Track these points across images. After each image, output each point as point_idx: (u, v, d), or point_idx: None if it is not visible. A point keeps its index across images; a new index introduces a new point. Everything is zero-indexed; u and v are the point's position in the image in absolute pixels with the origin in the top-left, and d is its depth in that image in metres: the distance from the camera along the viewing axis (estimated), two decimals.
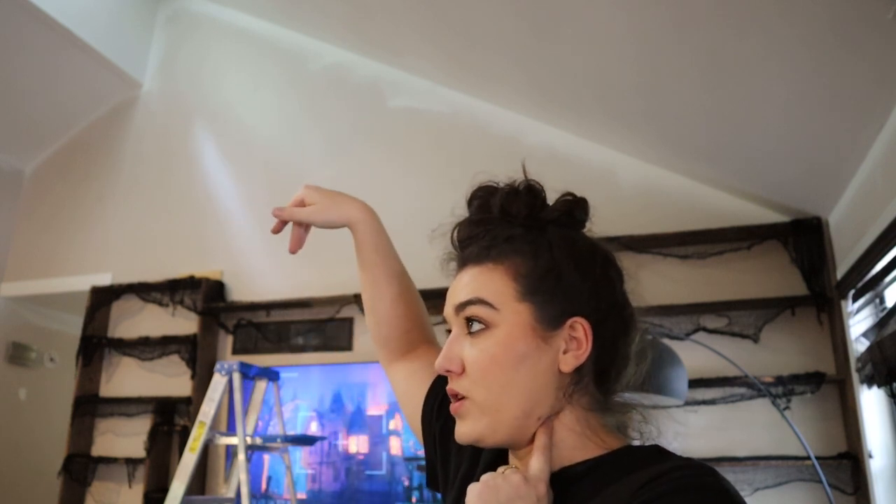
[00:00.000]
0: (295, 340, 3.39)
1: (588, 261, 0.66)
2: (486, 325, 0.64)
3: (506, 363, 0.62)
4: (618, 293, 0.67)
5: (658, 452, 0.61)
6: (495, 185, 0.69)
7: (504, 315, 0.63)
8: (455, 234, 0.71)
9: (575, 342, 0.63)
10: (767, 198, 2.79)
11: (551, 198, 0.69)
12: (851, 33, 1.68)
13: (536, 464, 0.60)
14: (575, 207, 0.68)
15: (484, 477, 0.59)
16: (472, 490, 0.58)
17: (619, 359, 0.66)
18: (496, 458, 0.72)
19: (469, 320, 0.65)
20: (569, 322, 0.63)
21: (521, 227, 0.66)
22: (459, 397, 0.65)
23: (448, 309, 0.68)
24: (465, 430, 0.65)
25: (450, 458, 0.79)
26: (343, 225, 0.88)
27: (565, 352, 0.63)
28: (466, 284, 0.66)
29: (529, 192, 0.67)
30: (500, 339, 0.63)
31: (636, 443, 0.67)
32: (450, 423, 0.78)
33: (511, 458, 0.68)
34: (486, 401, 0.63)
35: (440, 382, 0.83)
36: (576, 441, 0.64)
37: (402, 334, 0.90)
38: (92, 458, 3.51)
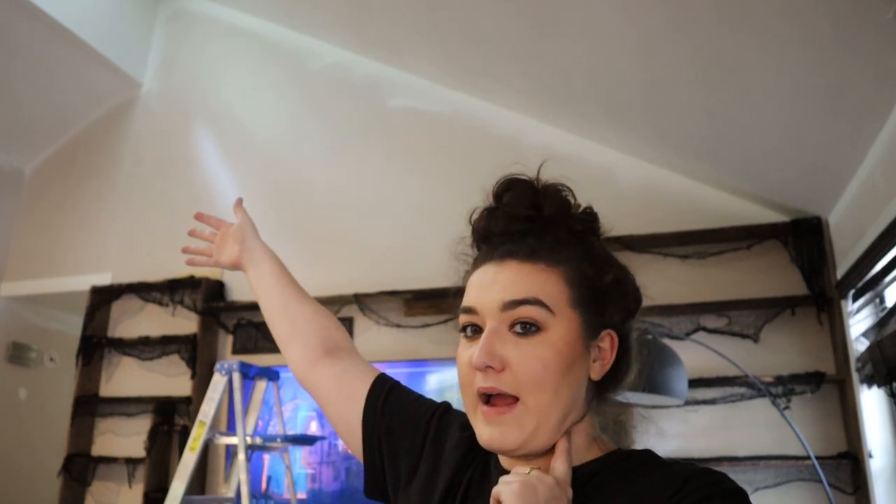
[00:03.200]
0: None
1: (625, 281, 0.69)
2: (539, 328, 0.62)
3: (558, 370, 0.61)
4: (637, 312, 0.70)
5: (653, 455, 0.65)
6: (530, 179, 0.68)
7: (559, 320, 0.62)
8: (487, 222, 0.68)
9: (601, 352, 0.66)
10: (767, 198, 2.79)
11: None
12: (851, 33, 1.68)
13: (562, 466, 0.61)
14: (596, 221, 0.70)
15: (516, 478, 0.58)
16: (507, 490, 0.56)
17: (626, 370, 0.69)
18: (465, 457, 0.73)
19: (519, 321, 0.62)
20: (601, 333, 0.66)
21: (571, 235, 0.67)
22: (504, 397, 0.62)
23: (488, 303, 0.63)
24: (507, 438, 0.61)
25: (399, 458, 0.78)
26: (241, 259, 1.00)
27: (594, 360, 0.65)
28: (517, 281, 0.63)
29: (564, 197, 0.68)
30: (554, 343, 0.62)
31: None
32: (395, 422, 0.79)
33: (508, 462, 0.68)
34: (537, 406, 0.61)
35: (380, 383, 0.82)
36: (587, 444, 0.67)
37: (322, 329, 0.88)
38: (92, 458, 3.51)
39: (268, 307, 0.93)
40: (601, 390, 0.68)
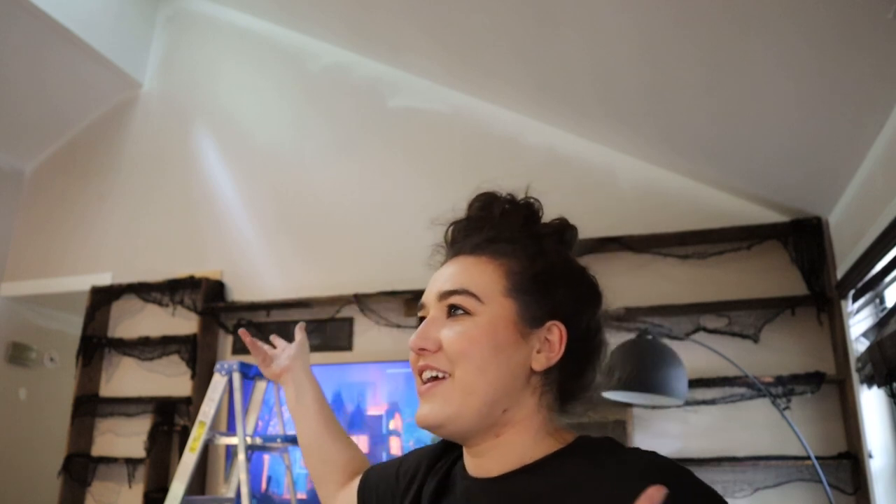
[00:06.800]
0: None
1: (577, 277, 0.70)
2: (468, 313, 0.66)
3: (484, 347, 0.64)
4: (596, 315, 0.70)
5: (612, 444, 0.64)
6: (498, 193, 0.73)
7: (488, 307, 0.66)
8: (450, 231, 0.74)
9: (548, 344, 0.66)
10: (767, 198, 2.79)
11: (554, 201, 0.75)
12: (852, 33, 1.68)
13: None
14: (566, 230, 0.72)
15: None
16: None
17: (587, 370, 0.69)
18: (427, 471, 0.74)
19: (452, 307, 0.67)
20: (547, 324, 0.66)
21: (521, 233, 0.70)
22: (435, 376, 0.66)
23: (430, 295, 0.70)
24: (432, 413, 0.65)
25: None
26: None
27: (538, 351, 0.66)
28: (455, 274, 0.69)
29: (528, 207, 0.72)
30: (481, 324, 0.65)
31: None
32: (381, 499, 0.81)
33: (472, 466, 0.69)
34: (462, 380, 0.64)
35: (362, 482, 0.85)
36: (532, 440, 0.66)
37: (348, 463, 0.94)
38: (92, 458, 3.51)
39: (305, 441, 0.97)
40: (564, 387, 0.68)
